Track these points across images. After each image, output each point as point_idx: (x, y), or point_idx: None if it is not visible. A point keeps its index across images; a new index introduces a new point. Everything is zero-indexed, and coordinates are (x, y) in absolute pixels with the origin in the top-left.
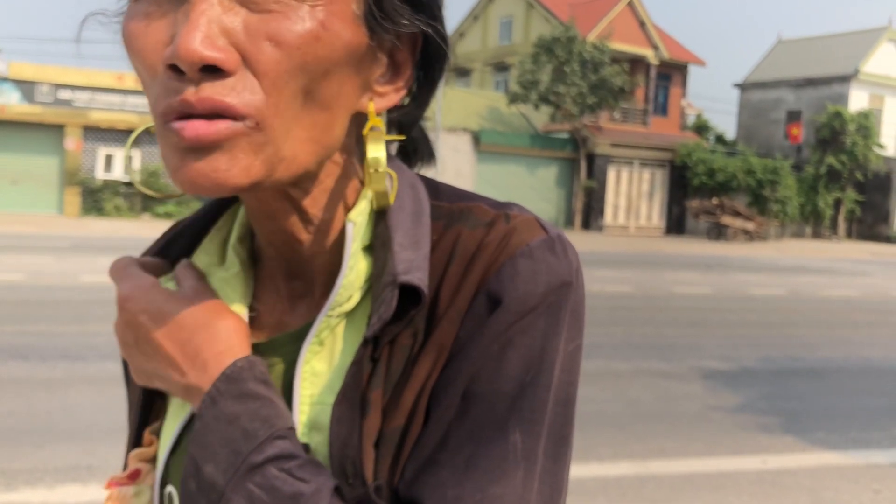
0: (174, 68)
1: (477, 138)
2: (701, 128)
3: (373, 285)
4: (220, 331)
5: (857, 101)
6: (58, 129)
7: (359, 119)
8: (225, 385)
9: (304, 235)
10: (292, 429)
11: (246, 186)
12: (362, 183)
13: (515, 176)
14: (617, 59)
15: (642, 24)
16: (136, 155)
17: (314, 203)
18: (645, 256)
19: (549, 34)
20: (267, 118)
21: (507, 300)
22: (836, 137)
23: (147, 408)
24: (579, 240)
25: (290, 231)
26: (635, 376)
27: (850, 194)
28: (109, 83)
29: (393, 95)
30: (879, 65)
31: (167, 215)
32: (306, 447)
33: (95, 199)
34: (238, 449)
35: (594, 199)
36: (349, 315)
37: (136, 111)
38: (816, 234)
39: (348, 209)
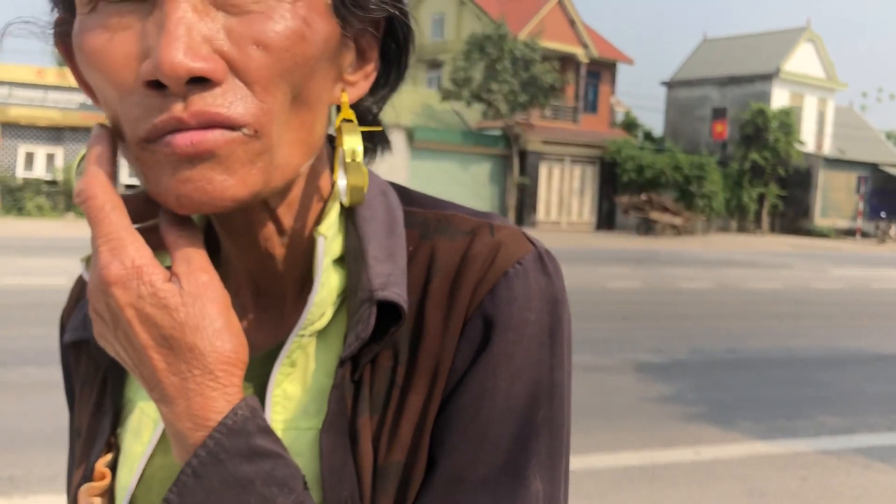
0: (154, 84)
1: (410, 135)
2: (630, 125)
3: (347, 301)
4: (216, 362)
5: (779, 98)
6: None
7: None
8: (229, 440)
9: (278, 249)
10: (305, 484)
11: (245, 199)
12: (332, 185)
13: (449, 173)
14: (547, 56)
15: (572, 23)
16: (59, 152)
17: (288, 211)
18: (577, 252)
19: (480, 32)
20: (264, 125)
21: (504, 326)
22: (760, 134)
23: (96, 439)
24: None
25: (264, 245)
26: None
27: (773, 189)
28: (29, 78)
29: (363, 83)
30: (799, 64)
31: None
32: (304, 480)
33: (16, 198)
34: None
35: (526, 195)
36: (322, 333)
37: (57, 107)
38: (741, 228)
39: (319, 218)
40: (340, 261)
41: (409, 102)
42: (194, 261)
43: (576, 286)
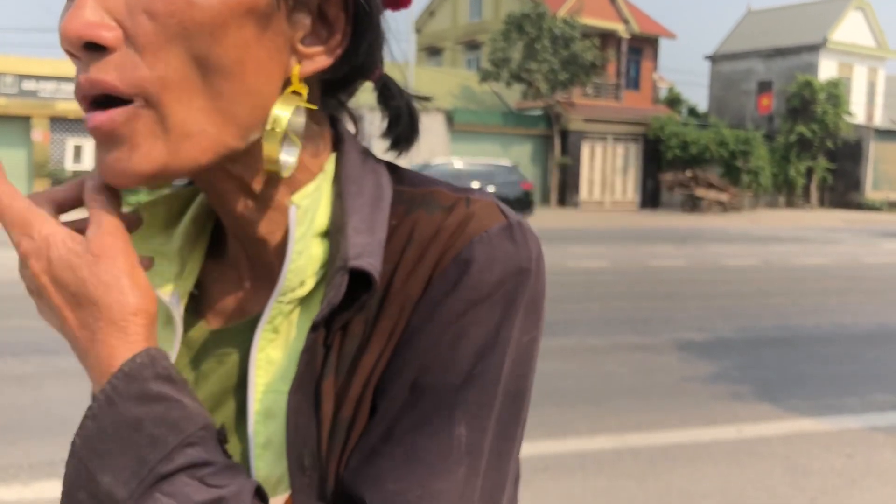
0: (72, 54)
1: (450, 118)
2: (673, 101)
3: (327, 271)
4: (119, 313)
5: (827, 69)
6: (24, 121)
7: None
8: (124, 384)
9: (256, 216)
10: (206, 428)
11: (151, 173)
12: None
13: (490, 154)
14: (587, 34)
15: None
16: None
17: (260, 183)
18: (620, 231)
19: (518, 10)
20: (155, 94)
21: (461, 287)
22: (807, 106)
23: None
24: (555, 217)
25: (241, 213)
26: (611, 351)
27: (822, 162)
28: (75, 72)
29: (323, 58)
30: (847, 33)
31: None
32: (222, 432)
33: None
34: (143, 458)
35: (569, 175)
36: (304, 301)
37: None
38: (790, 203)
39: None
40: (327, 234)
41: (448, 85)
42: (104, 224)
43: (618, 266)
